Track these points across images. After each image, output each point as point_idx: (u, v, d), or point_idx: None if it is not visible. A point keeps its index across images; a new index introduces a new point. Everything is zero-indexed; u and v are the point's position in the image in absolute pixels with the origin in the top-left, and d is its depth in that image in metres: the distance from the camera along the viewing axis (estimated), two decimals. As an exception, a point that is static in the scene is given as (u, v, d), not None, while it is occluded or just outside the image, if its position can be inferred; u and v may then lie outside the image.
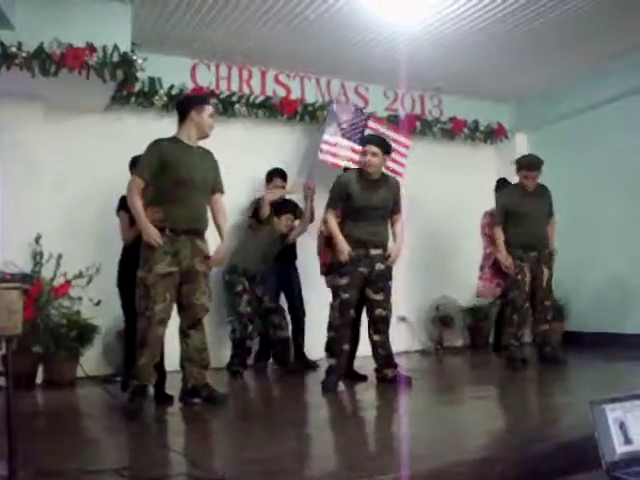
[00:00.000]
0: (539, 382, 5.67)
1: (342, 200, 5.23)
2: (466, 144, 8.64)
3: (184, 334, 4.59)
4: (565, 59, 7.28)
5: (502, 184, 6.96)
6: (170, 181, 4.45)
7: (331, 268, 5.31)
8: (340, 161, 6.98)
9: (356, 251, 5.15)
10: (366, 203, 5.20)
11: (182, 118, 4.65)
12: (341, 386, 5.17)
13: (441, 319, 8.07)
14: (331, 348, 5.21)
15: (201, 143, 4.72)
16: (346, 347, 5.25)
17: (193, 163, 4.55)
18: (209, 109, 4.69)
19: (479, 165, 8.74)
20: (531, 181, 6.10)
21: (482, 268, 6.61)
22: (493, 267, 6.35)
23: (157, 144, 4.55)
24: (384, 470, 2.74)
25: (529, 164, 6.12)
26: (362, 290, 5.24)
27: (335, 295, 5.22)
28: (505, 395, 5.04)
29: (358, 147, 6.67)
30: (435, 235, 8.18)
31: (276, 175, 6.77)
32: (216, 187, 4.76)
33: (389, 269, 5.31)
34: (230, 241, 5.14)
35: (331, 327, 5.21)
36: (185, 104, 4.76)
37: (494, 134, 8.71)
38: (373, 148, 5.22)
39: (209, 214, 4.73)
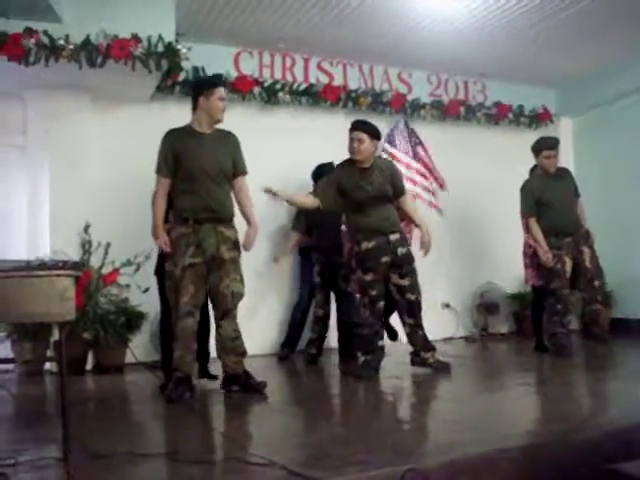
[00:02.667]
0: (586, 369, 5.62)
1: (337, 195, 5.15)
2: (510, 129, 8.53)
3: (217, 324, 4.55)
4: (609, 42, 7.13)
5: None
6: (183, 172, 4.45)
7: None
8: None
9: (375, 240, 5.06)
10: (363, 193, 5.09)
11: (194, 104, 4.60)
12: (380, 374, 5.16)
13: (486, 306, 8.03)
14: (365, 346, 5.15)
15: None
16: (382, 343, 5.21)
17: (204, 151, 4.48)
18: (218, 92, 4.54)
19: (524, 150, 8.61)
20: (554, 161, 6.06)
21: (526, 255, 6.53)
22: (533, 257, 6.24)
23: (167, 137, 4.55)
24: (428, 455, 2.75)
25: (548, 143, 6.10)
26: (388, 277, 5.15)
27: (363, 292, 5.14)
28: (551, 382, 5.01)
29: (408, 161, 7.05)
30: (480, 221, 8.11)
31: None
32: (237, 170, 4.65)
33: (410, 252, 5.22)
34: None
35: (363, 325, 5.14)
36: (194, 89, 4.69)
37: (539, 118, 8.58)
38: (359, 134, 5.09)
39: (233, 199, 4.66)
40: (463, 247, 7.71)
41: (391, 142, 7.36)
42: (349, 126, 5.24)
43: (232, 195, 4.67)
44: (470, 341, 7.66)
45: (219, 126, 4.65)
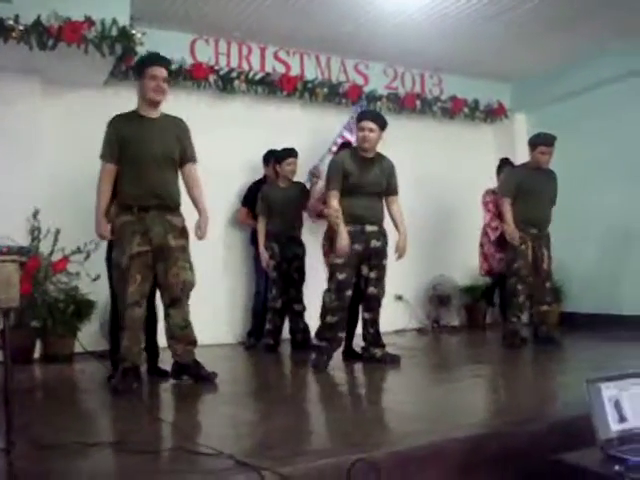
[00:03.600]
0: (535, 361, 5.69)
1: (342, 179, 5.13)
2: (466, 123, 8.62)
3: (165, 313, 4.48)
4: (566, 39, 7.23)
5: (505, 163, 6.92)
6: (128, 158, 4.36)
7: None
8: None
9: (351, 227, 5.07)
10: (361, 180, 5.12)
11: None
12: (335, 364, 5.17)
13: (438, 298, 8.10)
14: (325, 334, 5.12)
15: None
16: (341, 335, 5.21)
17: (149, 136, 4.38)
18: (149, 71, 4.39)
19: (478, 144, 8.73)
20: (548, 157, 6.13)
21: (482, 246, 6.59)
22: (496, 242, 6.31)
23: (112, 122, 4.46)
24: (378, 446, 2.75)
25: (546, 139, 6.14)
26: (358, 268, 5.17)
27: (331, 275, 5.13)
28: (501, 374, 5.06)
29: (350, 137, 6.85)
30: (433, 214, 8.17)
31: (293, 155, 6.44)
32: (185, 157, 4.56)
33: (384, 247, 5.23)
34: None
35: (327, 311, 5.10)
36: (134, 72, 4.63)
37: (494, 113, 8.68)
38: (370, 124, 5.14)
39: (181, 186, 4.59)
40: (416, 239, 7.69)
41: (351, 130, 7.26)
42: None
43: (179, 182, 4.59)
44: (422, 333, 7.72)
45: (168, 111, 4.57)
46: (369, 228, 5.14)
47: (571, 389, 3.89)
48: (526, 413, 3.36)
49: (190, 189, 4.62)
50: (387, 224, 5.36)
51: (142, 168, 4.34)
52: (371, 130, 5.13)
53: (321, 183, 6.31)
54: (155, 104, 4.47)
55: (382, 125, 5.22)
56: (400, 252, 5.28)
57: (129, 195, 4.36)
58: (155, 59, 4.54)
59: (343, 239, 5.02)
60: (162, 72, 4.45)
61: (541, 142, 6.14)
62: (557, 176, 6.29)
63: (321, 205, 5.93)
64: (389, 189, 5.31)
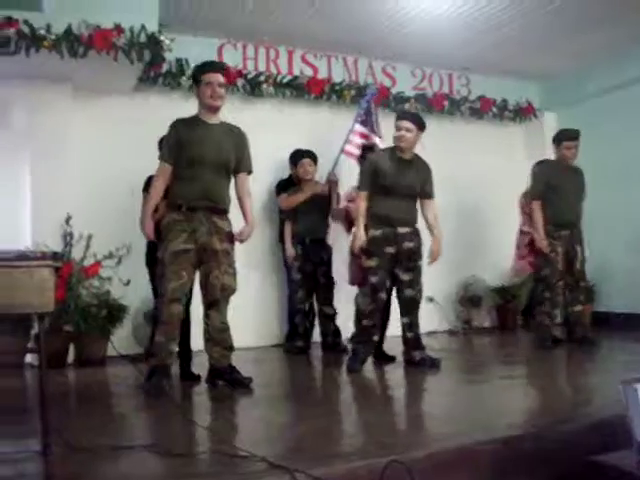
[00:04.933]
0: (569, 362, 5.64)
1: (372, 179, 5.11)
2: (495, 123, 8.56)
3: (205, 314, 4.51)
4: (594, 37, 7.16)
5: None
6: (184, 159, 4.42)
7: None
8: (352, 149, 6.69)
9: (382, 229, 5.05)
10: (396, 181, 5.07)
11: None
12: (368, 367, 5.16)
13: (469, 299, 8.04)
14: (360, 337, 5.12)
15: (224, 118, 4.65)
16: (375, 338, 5.20)
17: (207, 140, 4.45)
18: (206, 78, 4.46)
19: (507, 144, 8.67)
20: (574, 152, 6.09)
21: (519, 247, 6.53)
22: (529, 245, 6.26)
23: (174, 125, 4.53)
24: (411, 447, 2.75)
25: (570, 134, 6.11)
26: (392, 271, 5.14)
27: (364, 279, 5.10)
28: (535, 375, 5.02)
29: (363, 130, 6.66)
30: (462, 214, 8.11)
31: (306, 156, 6.57)
32: (240, 166, 4.63)
33: (418, 248, 5.18)
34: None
35: (362, 314, 5.08)
36: (193, 80, 4.71)
37: (523, 113, 8.61)
38: (407, 123, 5.09)
39: (232, 192, 4.65)
40: (446, 240, 7.65)
41: (364, 122, 7.02)
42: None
43: (230, 189, 4.65)
44: (453, 335, 7.67)
45: (224, 118, 4.63)
46: (401, 230, 5.10)
47: (606, 390, 3.85)
48: (560, 414, 3.33)
49: (241, 198, 4.67)
50: (421, 226, 5.33)
51: (196, 170, 4.41)
52: (408, 130, 5.08)
53: (346, 189, 6.31)
54: (214, 109, 4.54)
55: (420, 125, 5.17)
56: (433, 256, 5.24)
57: (180, 195, 4.43)
58: (209, 65, 4.61)
59: (358, 239, 5.05)
60: (217, 78, 4.50)
61: (565, 137, 6.10)
62: (583, 172, 6.24)
63: (348, 203, 5.92)
64: (423, 192, 5.27)
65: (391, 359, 5.46)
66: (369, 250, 5.07)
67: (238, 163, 4.62)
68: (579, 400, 3.87)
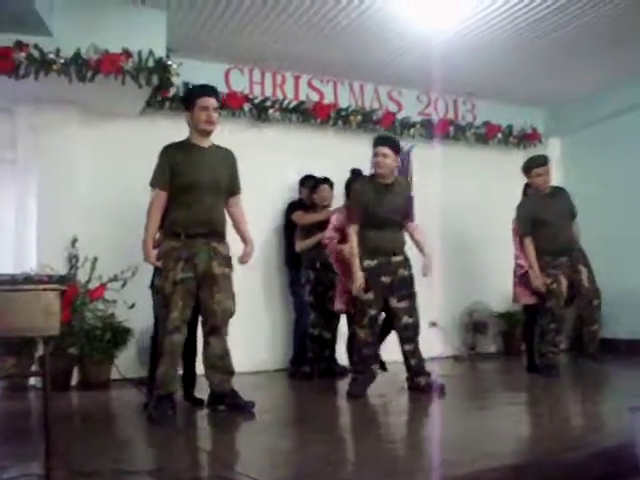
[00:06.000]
0: (574, 389, 5.61)
1: (361, 212, 5.09)
2: (499, 149, 8.58)
3: (205, 341, 4.48)
4: (599, 64, 7.21)
5: (529, 188, 6.82)
6: (178, 185, 4.39)
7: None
8: None
9: (377, 260, 5.05)
10: (380, 208, 5.06)
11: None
12: (372, 392, 5.13)
13: (474, 325, 8.02)
14: (361, 367, 5.10)
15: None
16: (375, 367, 5.19)
17: (200, 164, 4.44)
18: (200, 102, 4.45)
19: (512, 170, 8.62)
20: (546, 178, 6.07)
21: (515, 273, 6.51)
22: (525, 275, 6.22)
23: (164, 150, 4.51)
24: (417, 475, 2.73)
25: (539, 160, 6.10)
26: (385, 299, 5.11)
27: (362, 311, 5.07)
28: (539, 401, 4.99)
29: None
30: (468, 240, 8.12)
31: (324, 183, 6.59)
32: (233, 188, 4.64)
33: (412, 276, 5.18)
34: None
35: (363, 344, 5.08)
36: (183, 104, 4.70)
37: (527, 139, 8.63)
38: (384, 149, 5.07)
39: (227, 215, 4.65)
40: (451, 266, 7.70)
41: None
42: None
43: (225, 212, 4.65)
44: (458, 360, 7.64)
45: (216, 141, 4.63)
46: (395, 259, 5.11)
47: (612, 417, 3.83)
48: (566, 441, 3.30)
49: (236, 220, 4.69)
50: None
51: (191, 196, 4.39)
52: (385, 155, 5.07)
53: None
54: (207, 134, 4.54)
55: (396, 150, 5.16)
56: (426, 271, 5.23)
57: (176, 222, 4.40)
58: (205, 90, 4.59)
59: (357, 280, 4.99)
60: (212, 102, 4.50)
61: (535, 164, 6.09)
62: (567, 191, 6.24)
63: (337, 244, 5.84)
64: (409, 215, 5.29)
65: (382, 365, 5.46)
66: (366, 282, 5.03)
67: (231, 185, 4.62)
68: (585, 427, 3.84)
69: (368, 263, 5.05)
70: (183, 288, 4.31)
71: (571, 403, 4.99)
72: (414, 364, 5.17)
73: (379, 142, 5.19)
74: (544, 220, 5.99)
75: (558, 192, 6.21)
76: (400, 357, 5.25)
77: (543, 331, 5.99)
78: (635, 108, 7.57)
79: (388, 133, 5.50)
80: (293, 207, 6.71)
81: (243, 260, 4.65)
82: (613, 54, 6.96)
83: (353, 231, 5.10)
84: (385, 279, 5.06)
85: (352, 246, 5.08)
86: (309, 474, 2.82)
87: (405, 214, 5.26)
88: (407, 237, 5.36)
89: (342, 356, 6.37)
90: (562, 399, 5.10)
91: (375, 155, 5.12)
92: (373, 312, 5.04)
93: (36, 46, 5.40)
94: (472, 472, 2.78)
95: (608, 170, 7.76)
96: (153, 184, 4.48)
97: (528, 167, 6.14)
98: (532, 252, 5.99)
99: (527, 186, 6.73)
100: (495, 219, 8.04)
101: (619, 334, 7.60)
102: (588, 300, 6.01)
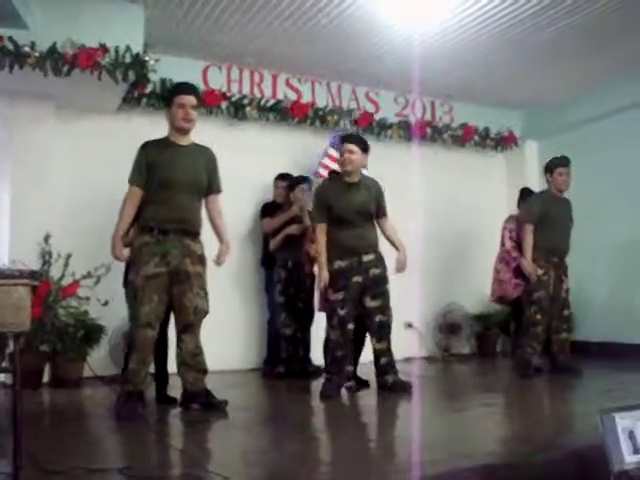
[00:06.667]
0: (547, 390, 5.63)
1: (326, 210, 5.10)
2: (476, 151, 8.63)
3: (178, 338, 4.47)
4: (576, 68, 7.27)
5: (527, 193, 6.86)
6: (155, 182, 4.38)
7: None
8: (324, 172, 6.85)
9: (348, 260, 5.05)
10: (348, 207, 5.07)
11: None
12: (343, 392, 5.13)
13: (448, 326, 8.05)
14: (334, 368, 5.09)
15: (208, 141, 4.65)
16: (350, 369, 5.20)
17: (178, 162, 4.43)
18: (177, 100, 4.46)
19: (489, 172, 8.74)
20: (566, 178, 6.16)
21: (498, 272, 6.52)
22: (515, 270, 6.27)
23: (142, 147, 4.51)
24: (390, 475, 2.72)
25: (562, 160, 6.18)
26: (359, 299, 5.12)
27: (332, 312, 5.08)
28: (513, 403, 5.02)
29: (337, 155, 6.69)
30: (444, 241, 8.15)
31: (278, 179, 6.74)
32: (212, 187, 4.63)
33: (384, 273, 5.18)
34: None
35: (334, 345, 5.07)
36: (164, 101, 4.69)
37: (504, 141, 8.69)
38: (351, 146, 5.12)
39: (204, 214, 4.63)
40: (426, 267, 7.72)
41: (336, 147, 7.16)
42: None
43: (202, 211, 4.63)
44: (432, 361, 7.66)
45: (193, 139, 4.61)
46: (366, 258, 5.11)
47: (584, 419, 3.85)
48: (539, 442, 3.32)
49: (214, 219, 4.67)
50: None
51: (168, 192, 4.38)
52: (351, 152, 5.10)
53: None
54: (184, 132, 4.53)
55: (364, 147, 5.20)
56: (400, 266, 5.24)
57: (151, 218, 4.39)
58: (183, 88, 4.61)
59: (322, 279, 5.04)
60: (190, 100, 4.50)
61: (558, 164, 6.18)
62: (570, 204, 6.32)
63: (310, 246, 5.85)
64: (378, 211, 5.27)
65: (365, 384, 5.43)
66: (336, 282, 5.04)
67: (210, 184, 4.61)
68: (557, 429, 3.86)
69: (338, 264, 5.06)
70: (156, 283, 4.30)
71: (544, 404, 5.03)
72: (383, 363, 5.18)
73: (346, 139, 5.25)
74: (552, 219, 6.08)
75: (567, 201, 6.30)
76: (372, 357, 5.26)
77: (528, 322, 6.01)
78: (612, 113, 7.64)
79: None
80: (264, 211, 6.70)
81: (218, 260, 4.63)
82: (590, 59, 7.02)
83: (319, 230, 5.13)
84: (357, 279, 5.06)
85: (319, 246, 5.11)
86: (282, 473, 2.81)
87: (375, 211, 5.25)
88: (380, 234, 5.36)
89: (319, 356, 6.35)
90: (535, 401, 5.13)
91: (342, 152, 5.17)
92: (343, 312, 5.03)
93: (10, 38, 5.31)
94: (446, 472, 2.78)
95: (584, 175, 7.80)
96: (129, 181, 4.48)
97: (552, 165, 6.22)
98: (530, 241, 6.06)
99: (524, 191, 6.78)
100: (472, 220, 8.11)
101: (592, 337, 7.66)
102: (560, 309, 6.10)
